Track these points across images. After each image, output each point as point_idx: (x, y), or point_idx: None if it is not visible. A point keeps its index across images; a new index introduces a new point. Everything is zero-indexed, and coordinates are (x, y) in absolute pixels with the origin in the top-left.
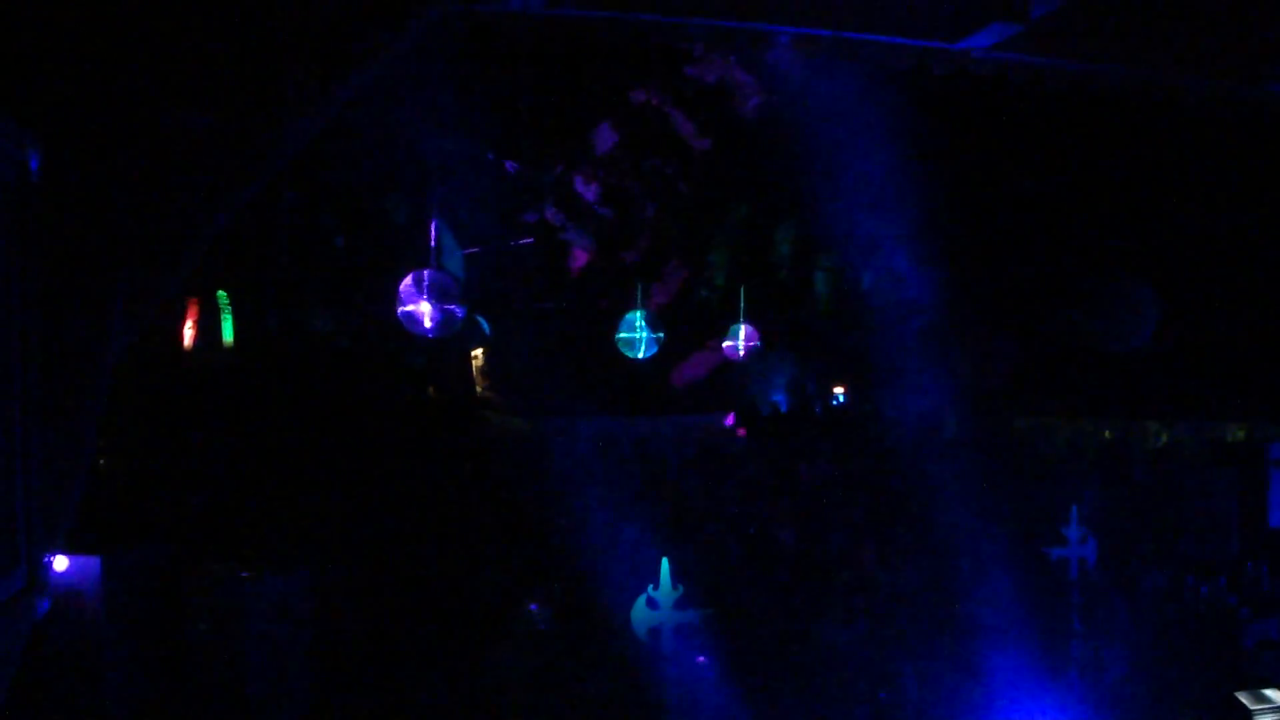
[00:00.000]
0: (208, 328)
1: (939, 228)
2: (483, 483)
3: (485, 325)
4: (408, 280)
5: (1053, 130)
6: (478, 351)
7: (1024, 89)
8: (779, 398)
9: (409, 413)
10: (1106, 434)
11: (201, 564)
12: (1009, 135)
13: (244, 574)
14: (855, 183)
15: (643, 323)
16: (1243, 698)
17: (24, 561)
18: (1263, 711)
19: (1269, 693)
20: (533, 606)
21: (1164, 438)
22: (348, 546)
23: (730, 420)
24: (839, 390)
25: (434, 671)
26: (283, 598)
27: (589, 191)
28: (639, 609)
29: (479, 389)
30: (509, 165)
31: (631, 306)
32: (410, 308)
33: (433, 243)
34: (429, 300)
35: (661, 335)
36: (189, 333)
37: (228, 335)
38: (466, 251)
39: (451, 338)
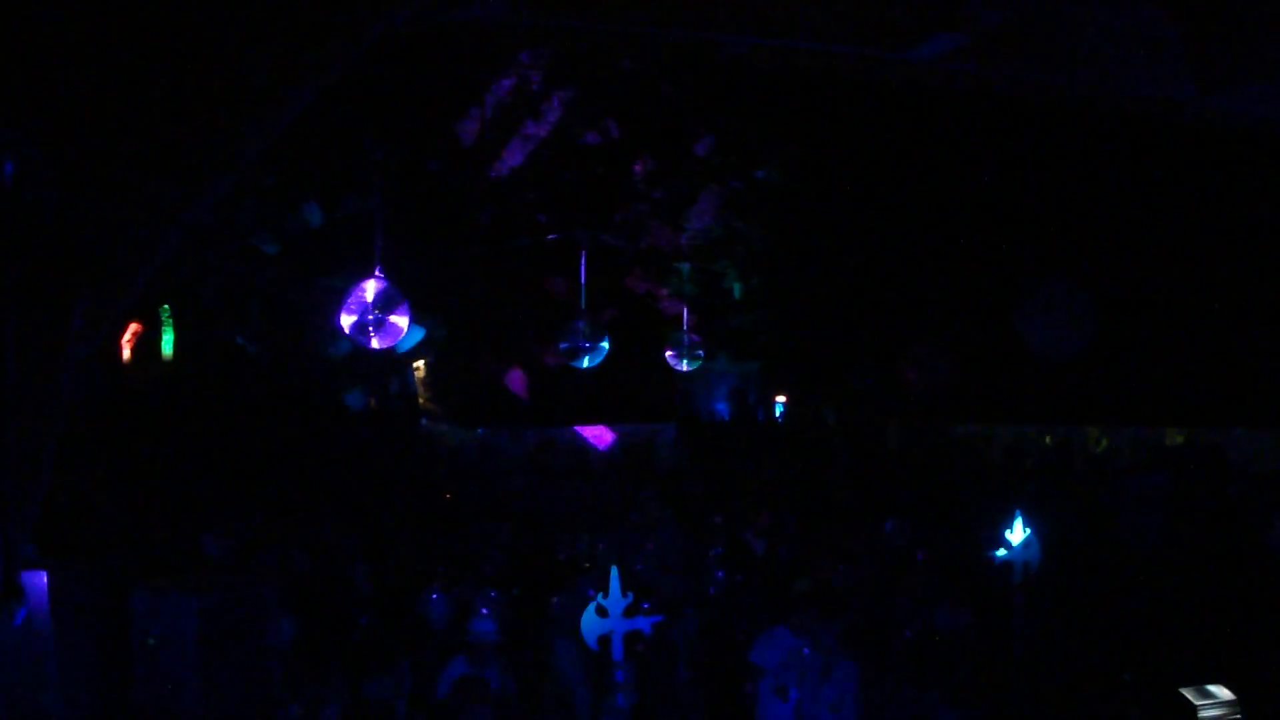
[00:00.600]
0: (147, 341)
1: (878, 236)
2: (425, 492)
3: (422, 335)
4: (351, 292)
5: (995, 140)
6: (419, 363)
7: (968, 99)
8: (720, 406)
9: (351, 423)
10: (1047, 440)
11: (148, 577)
12: (950, 145)
13: (187, 587)
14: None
15: (587, 331)
16: (1188, 694)
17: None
18: (1208, 707)
19: (1213, 689)
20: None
21: (1104, 443)
22: (289, 558)
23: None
24: (780, 399)
25: (380, 681)
26: (223, 610)
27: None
28: (588, 617)
29: (421, 399)
30: (456, 176)
31: (577, 314)
32: (355, 318)
33: (378, 253)
34: (375, 311)
35: (606, 344)
36: (128, 346)
37: (168, 349)
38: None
39: (394, 349)
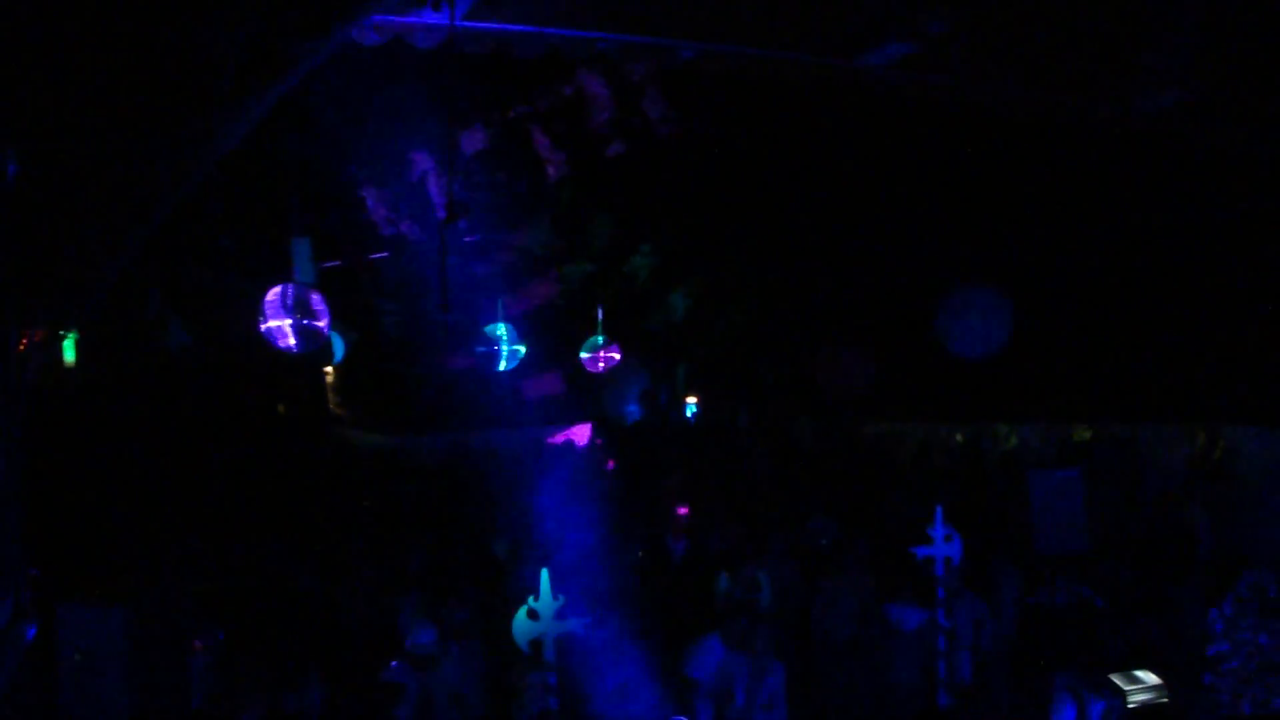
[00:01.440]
0: (47, 346)
1: (793, 238)
2: (337, 498)
3: (339, 342)
4: (271, 295)
5: (918, 147)
6: (329, 368)
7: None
8: (632, 409)
9: (260, 429)
10: (958, 438)
11: (72, 593)
12: (873, 150)
13: (109, 602)
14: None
15: (505, 335)
16: (1117, 679)
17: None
18: (1136, 692)
19: (1141, 674)
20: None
21: (1013, 440)
22: (202, 568)
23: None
24: (691, 401)
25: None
26: (147, 622)
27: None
28: (519, 621)
29: (331, 405)
30: (367, 191)
31: (493, 319)
32: (274, 323)
33: (294, 257)
34: (292, 316)
35: (522, 348)
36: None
37: (69, 355)
38: (325, 266)
39: (304, 354)
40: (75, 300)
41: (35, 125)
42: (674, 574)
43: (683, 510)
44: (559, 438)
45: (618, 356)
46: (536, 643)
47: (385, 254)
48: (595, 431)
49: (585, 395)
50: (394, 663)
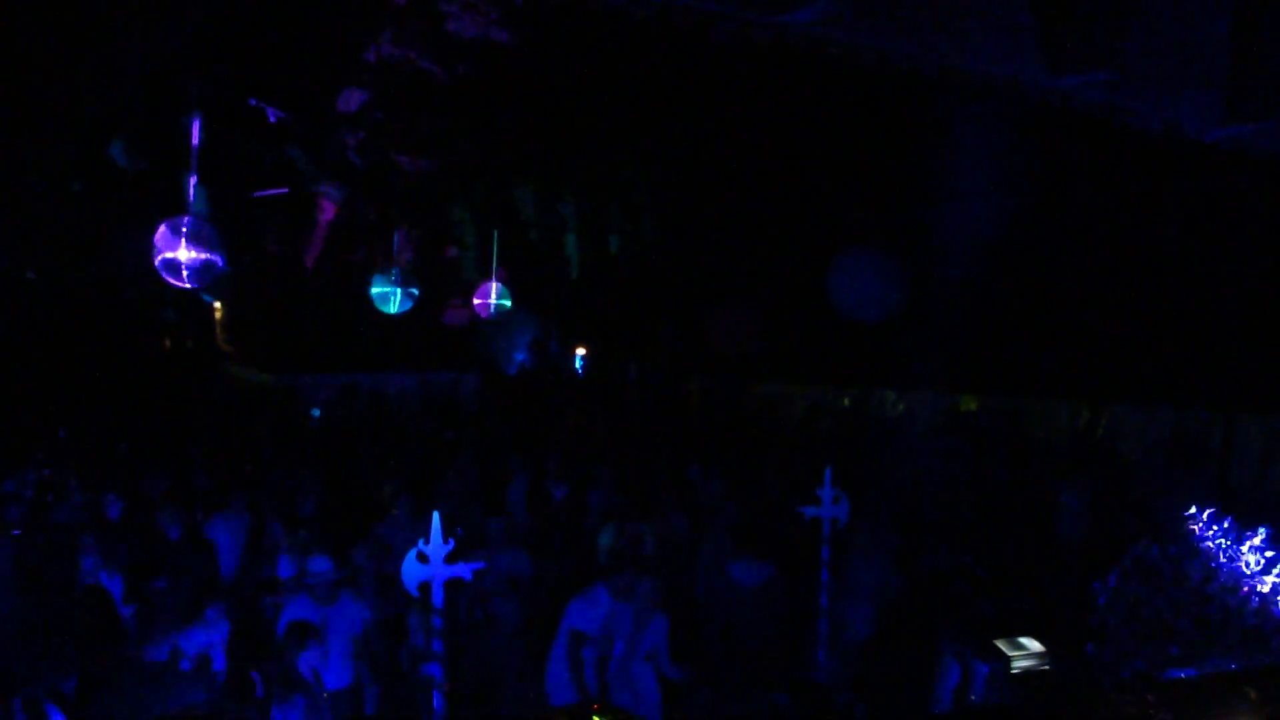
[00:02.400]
0: None
1: (690, 195)
2: (224, 436)
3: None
4: (165, 228)
5: (823, 105)
6: (218, 305)
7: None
8: (521, 357)
9: (146, 365)
10: (846, 401)
11: None
12: (777, 109)
13: (15, 533)
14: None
15: (397, 277)
16: (1001, 645)
17: None
18: (1020, 658)
19: (1025, 641)
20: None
21: (900, 406)
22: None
23: None
24: (580, 352)
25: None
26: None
27: (343, 142)
28: (409, 563)
29: (219, 342)
30: (270, 112)
31: (386, 261)
32: (169, 255)
33: (190, 190)
34: (187, 249)
35: (416, 290)
36: None
37: None
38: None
39: (191, 289)
40: None
41: None
42: (554, 519)
43: (563, 457)
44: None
45: (507, 304)
46: (425, 586)
47: (282, 190)
48: (484, 378)
49: (475, 341)
50: (295, 598)
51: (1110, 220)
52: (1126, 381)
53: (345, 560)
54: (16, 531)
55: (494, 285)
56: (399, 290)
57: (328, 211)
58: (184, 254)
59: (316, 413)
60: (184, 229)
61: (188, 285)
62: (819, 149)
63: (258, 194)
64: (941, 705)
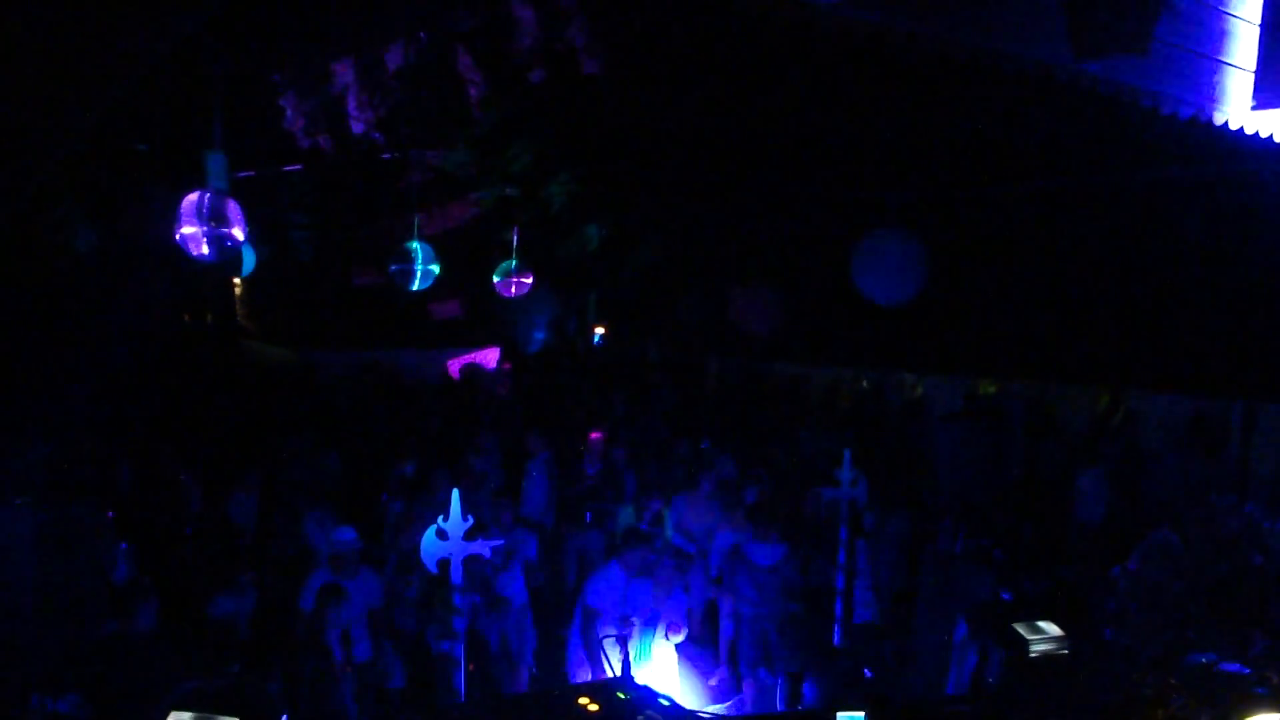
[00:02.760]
0: None
1: (711, 172)
2: (243, 411)
3: (250, 253)
4: (186, 203)
5: (848, 88)
6: (238, 280)
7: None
8: (540, 335)
9: (165, 338)
10: (864, 383)
11: None
12: (809, 92)
13: (18, 501)
14: (633, 127)
15: (420, 253)
16: (1019, 629)
17: None
18: (1039, 642)
19: (1043, 624)
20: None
21: (919, 389)
22: (101, 477)
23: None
24: (598, 331)
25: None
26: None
27: (365, 118)
28: (429, 540)
29: (238, 317)
30: (289, 90)
31: (407, 237)
32: (188, 230)
33: (210, 164)
34: (207, 224)
35: (437, 267)
36: None
37: None
38: (240, 176)
39: (215, 264)
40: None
41: None
42: (586, 497)
43: (596, 435)
44: (464, 359)
45: (529, 282)
46: (444, 563)
47: (299, 166)
48: (503, 356)
49: (495, 319)
50: (317, 570)
51: (1131, 205)
52: (1146, 367)
53: (365, 535)
54: (19, 500)
55: (513, 263)
56: (420, 268)
57: (349, 188)
58: (203, 228)
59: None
60: (204, 204)
61: (206, 260)
62: (843, 128)
63: (281, 170)
64: (958, 688)
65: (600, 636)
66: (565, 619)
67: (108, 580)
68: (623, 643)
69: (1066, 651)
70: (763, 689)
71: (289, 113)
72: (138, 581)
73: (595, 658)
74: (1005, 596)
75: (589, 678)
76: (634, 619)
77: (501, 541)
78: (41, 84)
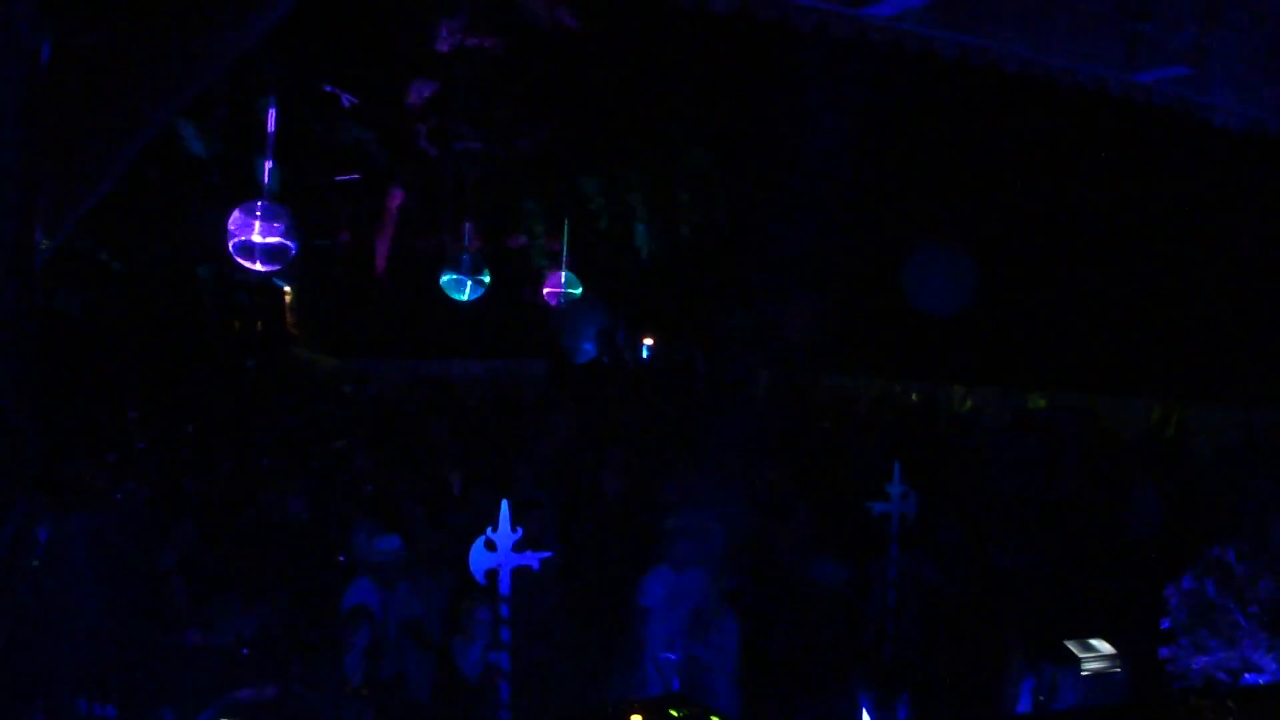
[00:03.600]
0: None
1: (763, 186)
2: (291, 419)
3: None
4: (239, 211)
5: (899, 100)
6: (288, 287)
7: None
8: (589, 347)
9: (215, 346)
10: (914, 395)
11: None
12: (859, 103)
13: (73, 509)
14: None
15: (470, 264)
16: (1071, 646)
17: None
18: (1091, 660)
19: (1095, 642)
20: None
21: (969, 402)
22: (158, 480)
23: None
24: (647, 342)
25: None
26: (96, 533)
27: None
28: (477, 551)
29: (289, 325)
30: (344, 97)
31: (458, 249)
32: (242, 238)
33: (265, 176)
34: (260, 232)
35: (486, 278)
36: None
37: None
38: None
39: (262, 273)
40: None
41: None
42: (608, 513)
43: (619, 452)
44: None
45: (578, 292)
46: (492, 574)
47: (355, 176)
48: (550, 367)
49: (542, 329)
50: (357, 579)
51: (1185, 218)
52: (1199, 380)
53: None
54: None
55: (564, 274)
56: (469, 278)
57: (398, 198)
58: (257, 237)
59: (348, 388)
60: (258, 212)
61: (260, 268)
62: (893, 141)
63: (337, 178)
64: (1010, 707)
65: (655, 651)
66: (614, 629)
67: (165, 586)
68: (674, 661)
69: (1119, 670)
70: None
71: (346, 124)
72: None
73: (646, 664)
74: (1057, 613)
75: (641, 688)
76: (681, 614)
77: (550, 553)
78: (103, 95)
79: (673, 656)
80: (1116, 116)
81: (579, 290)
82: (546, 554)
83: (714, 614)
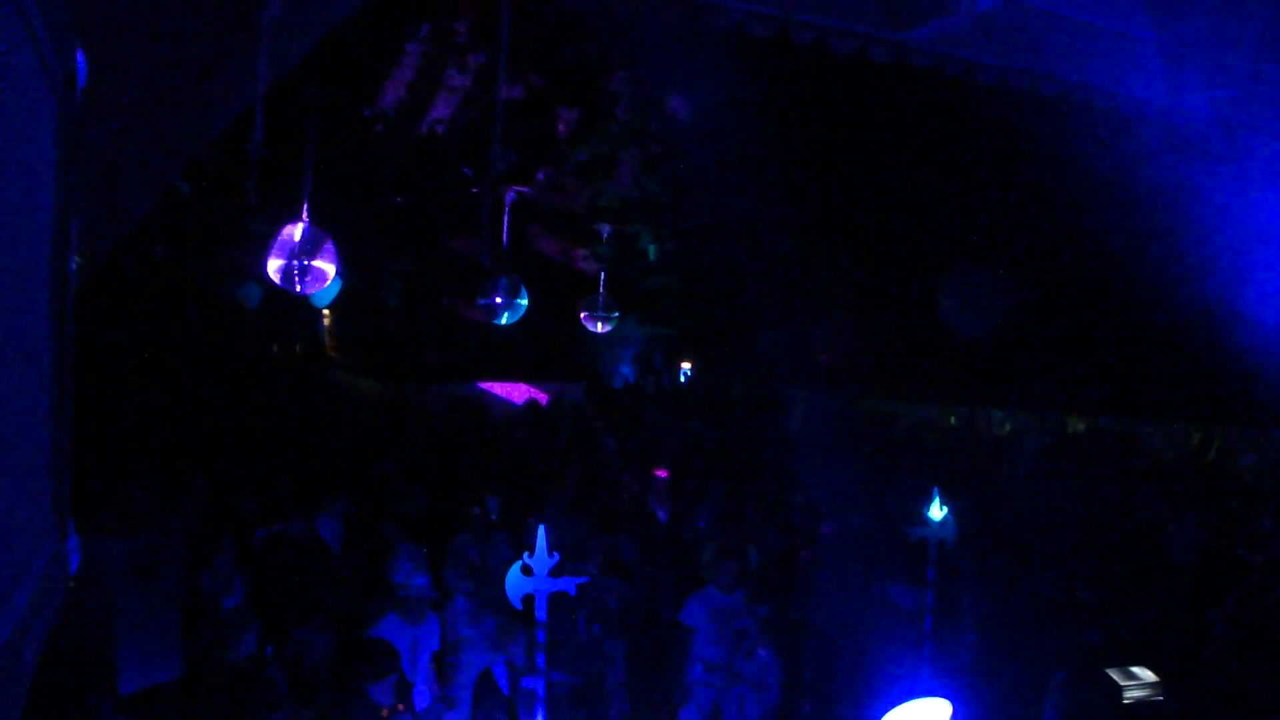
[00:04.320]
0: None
1: (798, 210)
2: (333, 442)
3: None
4: (282, 236)
5: (935, 122)
6: (326, 311)
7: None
8: (625, 370)
9: (255, 369)
10: (951, 420)
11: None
12: (888, 127)
13: (112, 530)
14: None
15: (507, 287)
16: (1113, 674)
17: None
18: (1133, 688)
19: (1137, 670)
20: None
21: (1007, 426)
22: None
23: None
24: (685, 365)
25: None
26: (136, 557)
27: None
28: (513, 576)
29: (328, 349)
30: (379, 124)
31: (496, 271)
32: (281, 263)
33: (305, 198)
34: (301, 255)
35: (524, 302)
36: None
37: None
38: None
39: (301, 296)
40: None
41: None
42: (658, 539)
43: (663, 474)
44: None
45: (616, 316)
46: (529, 599)
47: (397, 200)
48: (588, 391)
49: (579, 353)
50: (386, 616)
51: (1219, 237)
52: (1239, 403)
53: (438, 579)
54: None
55: (600, 297)
56: (507, 301)
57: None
58: (297, 260)
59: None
60: (297, 236)
61: (300, 292)
62: (928, 162)
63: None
64: None
65: (694, 669)
66: (652, 653)
67: (205, 608)
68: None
69: (1162, 698)
70: None
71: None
72: (240, 610)
73: (684, 681)
74: (1094, 639)
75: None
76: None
77: (587, 579)
78: (141, 121)
79: (715, 680)
80: (1157, 139)
81: (616, 314)
82: (583, 579)
83: (753, 639)
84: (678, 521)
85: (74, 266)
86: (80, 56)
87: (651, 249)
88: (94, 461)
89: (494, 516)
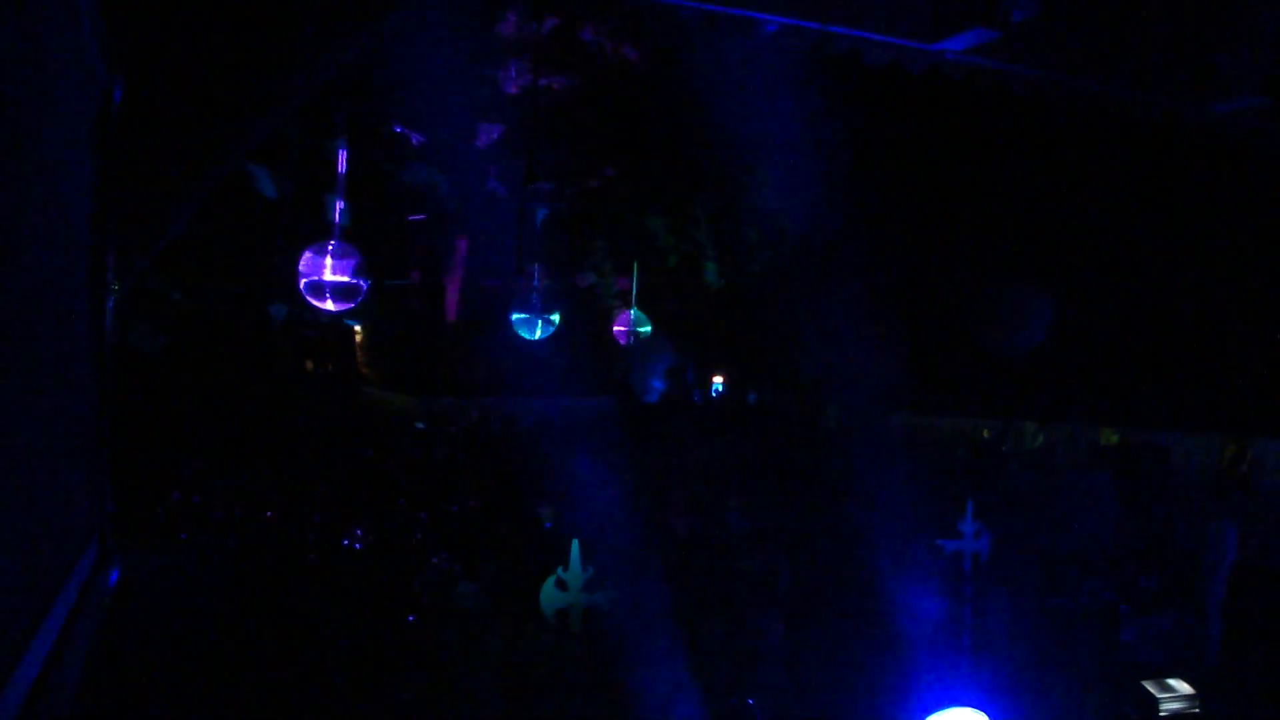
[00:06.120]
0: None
1: (833, 223)
2: (367, 458)
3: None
4: (310, 252)
5: (970, 136)
6: (359, 327)
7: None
8: (658, 385)
9: (288, 386)
10: (985, 433)
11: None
12: (928, 142)
13: (150, 544)
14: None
15: (539, 303)
16: (1149, 686)
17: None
18: (1169, 700)
19: (1173, 682)
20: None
21: (1040, 439)
22: (231, 521)
23: None
24: (718, 380)
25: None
26: (168, 573)
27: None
28: (548, 590)
29: (359, 364)
30: (414, 137)
31: (527, 287)
32: (314, 279)
33: (337, 216)
34: (332, 272)
35: (555, 317)
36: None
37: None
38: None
39: (334, 312)
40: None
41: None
42: (678, 552)
43: (685, 491)
44: None
45: (648, 330)
46: (563, 613)
47: (423, 216)
48: (619, 405)
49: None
50: None
51: (1261, 254)
52: (1273, 413)
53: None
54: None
55: (633, 312)
56: (539, 317)
57: (467, 239)
58: (328, 277)
59: (421, 425)
60: (329, 252)
61: (331, 307)
62: (965, 179)
63: (406, 219)
64: None
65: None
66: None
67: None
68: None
69: (1199, 711)
70: None
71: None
72: None
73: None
74: (1127, 638)
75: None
76: None
77: (620, 593)
78: (175, 136)
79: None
80: (1193, 149)
81: (648, 329)
82: (617, 594)
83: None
84: (698, 535)
85: (114, 286)
86: (117, 73)
87: (710, 269)
88: (128, 478)
89: (548, 526)
